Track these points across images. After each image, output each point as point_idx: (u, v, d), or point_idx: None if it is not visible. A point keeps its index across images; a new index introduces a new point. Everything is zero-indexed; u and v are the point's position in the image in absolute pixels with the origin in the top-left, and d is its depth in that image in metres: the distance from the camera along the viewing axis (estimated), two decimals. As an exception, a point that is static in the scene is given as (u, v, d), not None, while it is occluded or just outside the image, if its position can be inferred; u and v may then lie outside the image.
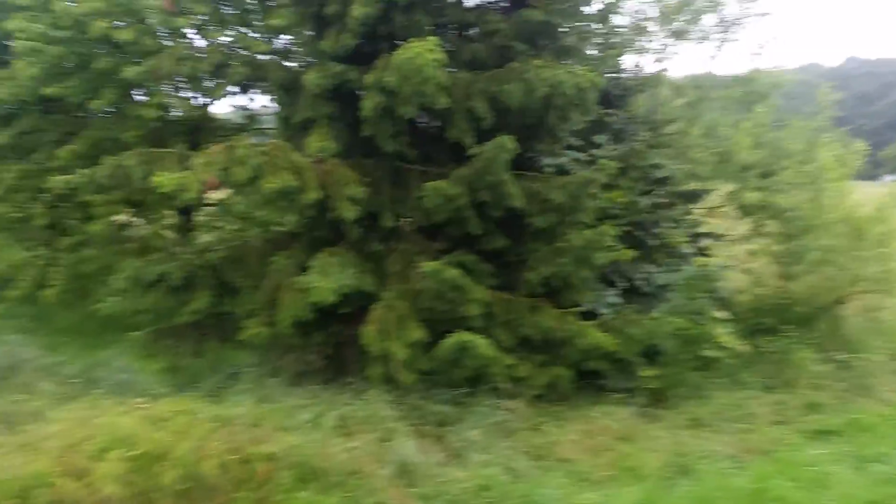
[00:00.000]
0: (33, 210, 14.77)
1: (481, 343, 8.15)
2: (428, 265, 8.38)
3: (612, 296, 10.23)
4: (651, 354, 9.53)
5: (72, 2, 12.53)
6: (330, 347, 9.51)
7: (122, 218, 15.34)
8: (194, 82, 11.19)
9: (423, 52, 7.80)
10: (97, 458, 6.22)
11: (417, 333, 8.32)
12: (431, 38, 8.01)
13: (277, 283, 8.92)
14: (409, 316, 8.43)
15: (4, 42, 15.79)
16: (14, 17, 12.91)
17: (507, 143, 8.24)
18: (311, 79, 8.81)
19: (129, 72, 10.10)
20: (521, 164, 9.05)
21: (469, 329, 8.33)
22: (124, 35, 12.13)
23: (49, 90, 13.40)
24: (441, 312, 8.54)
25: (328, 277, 8.13)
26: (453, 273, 8.32)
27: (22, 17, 12.95)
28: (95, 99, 13.47)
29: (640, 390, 9.30)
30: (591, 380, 9.32)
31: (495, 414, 8.05)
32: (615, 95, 12.13)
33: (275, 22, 11.31)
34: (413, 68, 7.84)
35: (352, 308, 8.89)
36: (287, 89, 9.55)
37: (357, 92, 9.29)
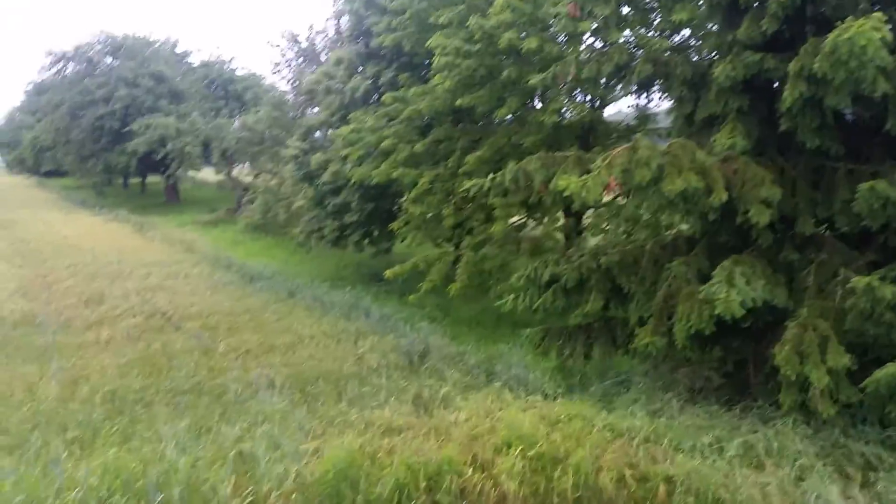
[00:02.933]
0: (443, 211, 16.30)
1: (931, 380, 6.66)
2: (857, 280, 7.14)
3: None
4: None
5: (483, 16, 13.46)
6: (729, 364, 8.72)
7: (516, 219, 16.15)
8: (593, 85, 11.18)
9: (864, 31, 6.62)
10: (499, 452, 6.43)
11: (842, 359, 7.14)
12: (875, 14, 6.77)
13: (673, 291, 8.41)
14: (831, 338, 7.26)
15: (426, 60, 17.83)
16: (436, 35, 14.32)
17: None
18: (722, 71, 8.16)
19: (534, 79, 10.43)
20: None
21: (910, 359, 6.89)
22: (529, 44, 12.67)
23: (461, 101, 14.64)
24: (873, 337, 7.27)
25: (735, 288, 7.37)
26: (890, 290, 6.94)
27: (442, 35, 14.32)
28: (500, 108, 14.38)
29: None
30: None
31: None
32: None
33: (677, 17, 10.73)
34: (851, 51, 6.71)
35: (756, 323, 8.05)
36: (692, 84, 9.00)
37: (773, 82, 8.42)
